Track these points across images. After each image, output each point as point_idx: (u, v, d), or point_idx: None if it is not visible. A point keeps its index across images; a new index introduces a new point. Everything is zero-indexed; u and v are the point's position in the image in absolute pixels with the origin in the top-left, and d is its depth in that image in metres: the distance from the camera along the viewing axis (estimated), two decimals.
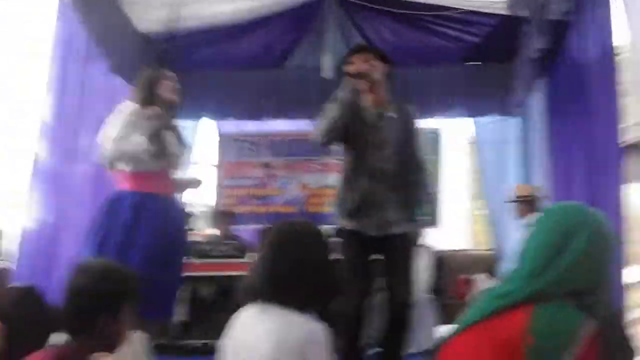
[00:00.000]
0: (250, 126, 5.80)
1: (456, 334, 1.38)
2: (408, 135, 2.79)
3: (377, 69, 2.77)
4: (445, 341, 1.41)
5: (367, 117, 2.76)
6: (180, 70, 3.12)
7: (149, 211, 2.73)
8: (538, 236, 1.38)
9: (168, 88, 2.89)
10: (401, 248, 2.73)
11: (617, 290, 2.99)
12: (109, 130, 2.81)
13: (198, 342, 4.18)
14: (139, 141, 2.72)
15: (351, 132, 2.72)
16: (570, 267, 1.29)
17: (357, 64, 2.73)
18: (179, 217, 2.98)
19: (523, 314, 1.25)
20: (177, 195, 3.09)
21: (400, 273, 2.71)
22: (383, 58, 2.85)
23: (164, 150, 2.78)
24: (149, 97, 2.84)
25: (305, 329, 1.49)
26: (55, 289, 3.20)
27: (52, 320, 2.05)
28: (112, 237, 2.67)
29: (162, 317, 2.85)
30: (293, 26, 4.81)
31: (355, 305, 2.66)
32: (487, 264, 5.07)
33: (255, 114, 5.35)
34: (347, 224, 2.78)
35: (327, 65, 4.73)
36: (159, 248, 2.69)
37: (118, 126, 2.79)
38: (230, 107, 5.30)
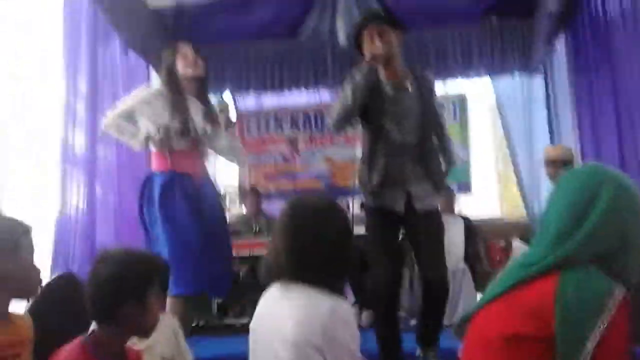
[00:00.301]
0: (269, 101, 5.76)
1: (484, 304, 1.36)
2: (426, 105, 2.72)
3: (393, 43, 2.67)
4: (473, 312, 1.39)
5: (384, 92, 2.69)
6: (192, 42, 3.06)
7: (180, 191, 2.74)
8: (560, 200, 1.34)
9: (184, 63, 2.83)
10: (429, 222, 2.69)
11: None
12: (119, 103, 2.86)
13: (235, 322, 4.26)
14: (143, 124, 2.76)
15: (369, 109, 2.69)
16: (595, 229, 1.25)
17: (373, 46, 2.62)
18: (212, 196, 2.94)
19: (550, 281, 1.22)
20: (209, 176, 3.04)
21: (430, 247, 2.67)
22: (397, 25, 2.75)
23: (187, 129, 2.76)
24: (169, 79, 2.83)
25: (328, 307, 1.47)
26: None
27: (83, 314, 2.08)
28: (150, 217, 2.75)
29: (215, 293, 2.98)
30: None
31: (385, 282, 2.65)
32: (521, 229, 4.96)
33: (272, 86, 5.25)
34: (372, 202, 2.76)
35: (341, 31, 4.64)
36: (194, 227, 2.71)
37: (128, 102, 2.85)
38: (247, 80, 5.21)
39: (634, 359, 1.65)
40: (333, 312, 1.46)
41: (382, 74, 2.70)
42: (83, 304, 1.52)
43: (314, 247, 1.55)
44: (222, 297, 4.07)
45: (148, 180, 2.81)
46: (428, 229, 2.68)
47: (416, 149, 2.67)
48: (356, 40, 2.76)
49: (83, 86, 3.68)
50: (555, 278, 1.21)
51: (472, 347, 1.35)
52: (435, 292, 2.64)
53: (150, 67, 4.57)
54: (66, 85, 3.54)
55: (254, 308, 1.67)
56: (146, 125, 2.76)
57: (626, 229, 1.26)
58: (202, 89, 2.90)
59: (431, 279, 2.63)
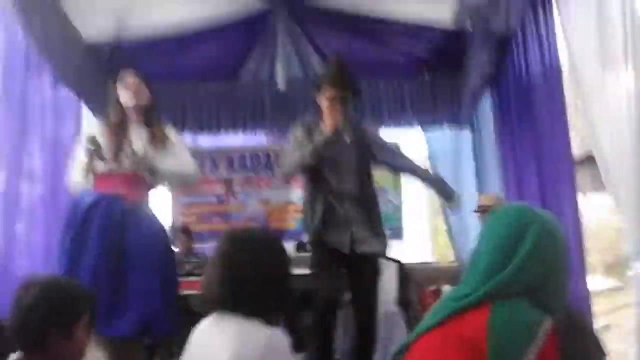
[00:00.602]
0: (205, 141, 5.73)
1: (417, 337, 1.39)
2: (364, 155, 2.90)
3: (347, 107, 2.93)
4: (407, 345, 1.42)
5: (326, 144, 2.87)
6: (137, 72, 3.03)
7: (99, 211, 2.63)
8: (489, 239, 1.42)
9: (125, 93, 2.78)
10: (368, 264, 2.83)
11: (584, 297, 3.06)
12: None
13: None
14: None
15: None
16: (522, 265, 1.32)
17: (336, 116, 2.85)
18: (143, 225, 2.73)
19: (482, 313, 1.28)
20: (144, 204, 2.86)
21: (364, 293, 2.82)
22: (354, 91, 3.00)
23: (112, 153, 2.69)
24: (113, 110, 2.80)
25: (264, 336, 1.46)
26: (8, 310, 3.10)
27: (9, 339, 1.95)
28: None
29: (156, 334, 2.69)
30: (244, 37, 4.78)
31: (324, 316, 2.80)
32: (452, 275, 5.08)
33: (209, 127, 5.26)
34: (317, 239, 2.90)
35: (280, 75, 4.73)
36: (110, 256, 2.56)
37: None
38: (183, 120, 5.17)
39: None
40: (269, 341, 1.45)
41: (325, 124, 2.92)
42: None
43: (250, 277, 1.53)
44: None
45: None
46: (366, 273, 2.82)
47: (356, 196, 2.82)
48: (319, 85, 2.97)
49: (6, 118, 3.51)
50: (487, 310, 1.27)
51: None
52: (363, 334, 2.78)
53: (82, 103, 4.47)
54: None
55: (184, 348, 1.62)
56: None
57: (550, 265, 1.34)
58: (147, 116, 2.83)
59: (361, 321, 2.78)
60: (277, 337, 1.48)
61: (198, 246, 5.15)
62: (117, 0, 4.02)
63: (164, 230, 2.85)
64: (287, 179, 3.07)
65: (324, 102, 2.93)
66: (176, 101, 5.12)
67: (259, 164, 5.75)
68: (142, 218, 2.70)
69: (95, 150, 2.64)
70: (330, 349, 2.87)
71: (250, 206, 5.66)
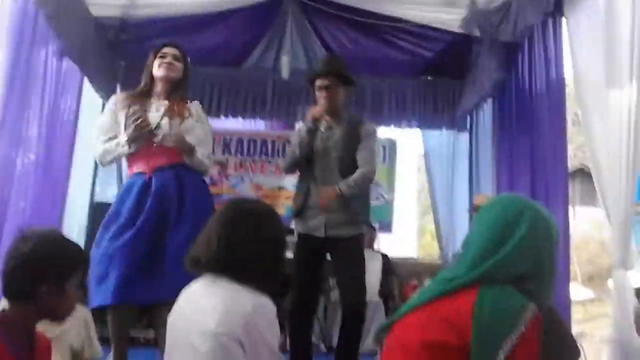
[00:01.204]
0: None
1: (404, 314, 1.41)
2: (349, 147, 2.91)
3: (338, 97, 2.96)
4: (393, 321, 1.43)
5: (308, 132, 2.95)
6: (132, 59, 3.01)
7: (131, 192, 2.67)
8: (481, 226, 1.43)
9: (159, 64, 2.79)
10: (348, 249, 2.84)
11: (565, 304, 3.13)
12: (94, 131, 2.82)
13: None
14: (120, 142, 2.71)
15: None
16: (512, 253, 1.34)
17: (320, 106, 2.94)
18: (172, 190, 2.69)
19: (469, 295, 1.29)
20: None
21: (349, 272, 2.83)
22: (346, 81, 2.99)
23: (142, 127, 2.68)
24: (143, 77, 2.82)
25: (251, 303, 1.48)
26: None
27: None
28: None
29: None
30: (252, 25, 4.78)
31: (300, 303, 2.83)
32: (434, 272, 5.15)
33: (209, 112, 5.23)
34: (297, 226, 2.97)
35: (285, 66, 4.74)
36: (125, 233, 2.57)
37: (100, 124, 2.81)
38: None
39: None
40: (256, 308, 1.48)
41: (325, 116, 2.98)
42: None
43: (247, 243, 1.57)
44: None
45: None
46: (344, 256, 2.84)
47: (336, 183, 2.84)
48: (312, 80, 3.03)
49: (5, 86, 3.46)
50: (474, 292, 1.29)
51: (391, 354, 1.39)
52: (353, 314, 2.80)
53: (84, 77, 4.46)
54: None
55: None
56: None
57: (541, 255, 1.36)
58: (173, 90, 2.82)
59: (350, 300, 2.80)
60: (264, 304, 1.51)
61: None
62: None
63: (202, 190, 2.83)
64: (288, 172, 3.16)
65: (316, 92, 2.99)
66: (188, 78, 5.09)
67: (255, 149, 5.77)
68: (171, 184, 2.70)
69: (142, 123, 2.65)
70: (306, 334, 2.91)
71: (242, 189, 5.68)
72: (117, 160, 2.87)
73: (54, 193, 4.13)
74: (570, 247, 3.41)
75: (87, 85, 4.53)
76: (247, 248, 1.56)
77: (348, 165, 2.89)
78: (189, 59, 2.92)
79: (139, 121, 2.63)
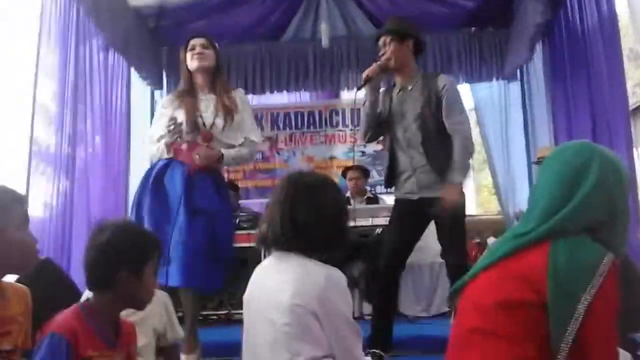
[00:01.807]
0: (250, 100, 5.78)
1: (477, 273, 1.38)
2: (427, 104, 2.82)
3: (398, 53, 2.86)
4: (466, 281, 1.41)
5: (392, 94, 2.93)
6: (174, 44, 3.04)
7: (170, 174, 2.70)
8: (549, 176, 1.38)
9: (191, 56, 2.80)
10: (440, 211, 2.75)
11: (637, 246, 3.02)
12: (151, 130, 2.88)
13: (215, 314, 4.25)
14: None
15: (382, 112, 2.97)
16: (584, 201, 1.29)
17: (366, 71, 2.89)
18: (210, 189, 2.73)
19: (543, 249, 1.25)
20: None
21: (443, 234, 2.80)
22: (403, 36, 2.89)
23: (191, 125, 2.71)
24: (182, 75, 2.85)
25: (323, 274, 1.51)
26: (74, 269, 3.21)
27: (71, 288, 2.04)
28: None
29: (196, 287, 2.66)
30: None
31: (386, 265, 2.82)
32: (496, 228, 5.09)
33: (254, 88, 5.28)
34: (395, 193, 2.99)
35: (324, 34, 4.69)
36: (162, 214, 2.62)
37: (155, 125, 2.86)
38: (229, 82, 5.22)
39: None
40: (328, 280, 1.49)
41: (397, 77, 2.96)
42: (63, 283, 1.50)
43: (310, 218, 1.57)
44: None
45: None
46: (440, 216, 2.76)
47: (420, 144, 2.80)
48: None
49: (58, 84, 3.60)
50: (548, 246, 1.25)
51: (465, 313, 1.37)
52: (451, 271, 2.77)
53: (131, 67, 4.56)
54: (46, 85, 3.48)
55: (239, 301, 1.68)
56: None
57: (614, 202, 1.30)
58: (212, 79, 2.83)
59: (447, 261, 2.82)
60: (335, 275, 1.53)
61: (244, 202, 5.27)
62: None
63: (226, 194, 2.87)
64: (368, 141, 3.06)
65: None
66: (221, 63, 5.14)
67: (302, 121, 5.78)
68: (208, 185, 2.72)
69: (174, 129, 2.67)
70: (391, 296, 2.88)
71: (294, 162, 5.73)
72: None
73: (116, 185, 4.28)
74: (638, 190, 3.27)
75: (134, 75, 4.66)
76: (309, 222, 1.57)
77: (428, 123, 2.80)
78: (226, 40, 2.90)
79: (172, 128, 2.67)
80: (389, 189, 3.10)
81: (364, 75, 2.88)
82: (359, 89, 2.96)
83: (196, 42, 2.82)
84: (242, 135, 2.79)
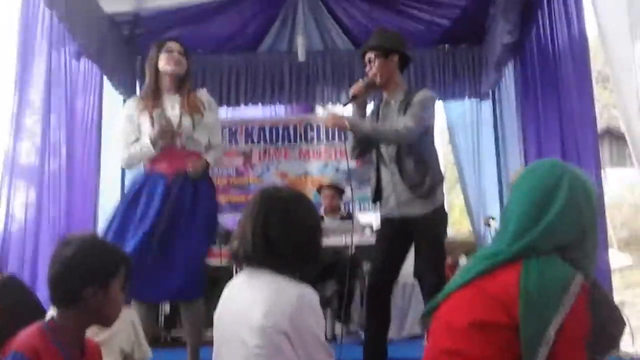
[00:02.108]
0: (224, 114, 5.73)
1: (448, 294, 1.39)
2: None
3: (382, 69, 2.85)
4: (439, 302, 1.41)
5: (379, 109, 2.94)
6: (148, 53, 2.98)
7: (146, 190, 2.73)
8: (520, 196, 1.39)
9: (167, 59, 2.80)
10: (419, 228, 2.76)
11: (605, 270, 3.05)
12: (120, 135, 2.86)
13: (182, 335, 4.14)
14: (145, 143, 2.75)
15: None
16: (554, 220, 1.30)
17: (352, 89, 2.89)
18: (191, 196, 2.76)
19: (514, 270, 1.26)
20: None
21: (420, 253, 2.79)
22: (388, 51, 2.88)
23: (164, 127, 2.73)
24: (149, 74, 2.84)
25: (295, 293, 1.49)
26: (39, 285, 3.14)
27: (36, 306, 2.00)
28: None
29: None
30: (263, 7, 4.74)
31: (371, 286, 2.84)
32: (469, 248, 5.10)
33: (228, 100, 5.25)
34: (380, 210, 2.97)
35: (300, 47, 4.70)
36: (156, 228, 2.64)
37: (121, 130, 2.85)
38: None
39: None
40: (300, 299, 1.48)
41: (384, 92, 2.96)
42: (28, 300, 1.46)
43: (282, 233, 1.56)
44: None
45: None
46: (417, 235, 2.78)
47: (397, 160, 2.79)
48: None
49: (34, 95, 3.56)
50: (519, 267, 1.26)
51: (438, 334, 1.37)
52: (429, 291, 2.69)
53: (104, 76, 4.50)
54: (17, 93, 3.41)
55: (208, 318, 1.67)
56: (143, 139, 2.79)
57: (584, 220, 1.32)
58: (179, 84, 2.85)
59: (424, 281, 2.80)
60: (308, 295, 1.52)
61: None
62: None
63: (213, 199, 2.91)
64: (354, 156, 2.98)
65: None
66: (195, 73, 5.08)
67: (277, 135, 5.75)
68: (186, 192, 2.75)
69: (166, 129, 2.71)
70: (382, 315, 2.86)
71: (268, 178, 5.68)
72: (143, 162, 2.89)
73: (85, 196, 4.20)
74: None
75: (107, 84, 4.58)
76: (282, 237, 1.56)
77: (406, 145, 2.79)
78: (200, 50, 2.94)
79: (163, 123, 2.70)
80: (375, 204, 3.05)
81: (350, 92, 2.87)
82: (344, 105, 2.95)
83: (174, 46, 2.84)
84: (209, 135, 2.85)
